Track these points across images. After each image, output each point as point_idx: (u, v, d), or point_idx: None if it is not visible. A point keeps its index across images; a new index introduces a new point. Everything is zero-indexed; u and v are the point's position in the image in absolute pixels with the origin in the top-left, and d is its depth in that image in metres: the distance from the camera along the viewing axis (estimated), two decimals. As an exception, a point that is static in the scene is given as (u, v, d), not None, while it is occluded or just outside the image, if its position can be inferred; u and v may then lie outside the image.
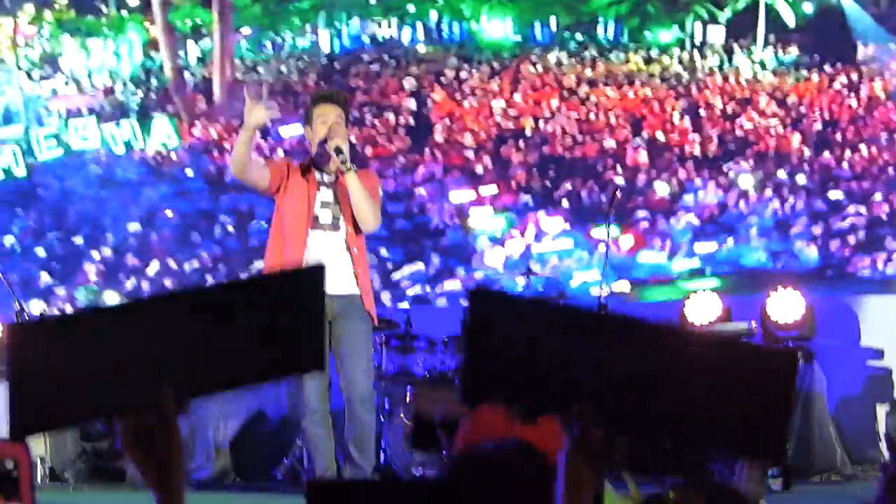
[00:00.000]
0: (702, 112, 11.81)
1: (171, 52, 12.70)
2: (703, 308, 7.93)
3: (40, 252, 10.67)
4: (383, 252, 10.65)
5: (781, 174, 11.18)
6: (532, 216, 11.01)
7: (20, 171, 10.94)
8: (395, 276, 10.68)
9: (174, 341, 1.76)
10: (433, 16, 13.40)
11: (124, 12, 13.05)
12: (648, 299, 9.96)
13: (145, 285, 10.88)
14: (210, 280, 9.97)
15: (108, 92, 12.55)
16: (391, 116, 12.43)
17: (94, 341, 1.73)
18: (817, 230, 10.65)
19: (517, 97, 12.54)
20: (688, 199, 10.92)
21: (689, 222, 10.83)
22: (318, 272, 1.85)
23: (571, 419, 1.82)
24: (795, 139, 11.55)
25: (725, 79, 12.63)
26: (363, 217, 4.97)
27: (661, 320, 1.90)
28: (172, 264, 10.96)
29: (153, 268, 10.93)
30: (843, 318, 7.89)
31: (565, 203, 11.10)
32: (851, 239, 10.44)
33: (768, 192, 10.69)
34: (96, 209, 10.96)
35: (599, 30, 13.44)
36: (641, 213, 10.87)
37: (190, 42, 13.01)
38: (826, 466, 6.78)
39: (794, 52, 11.96)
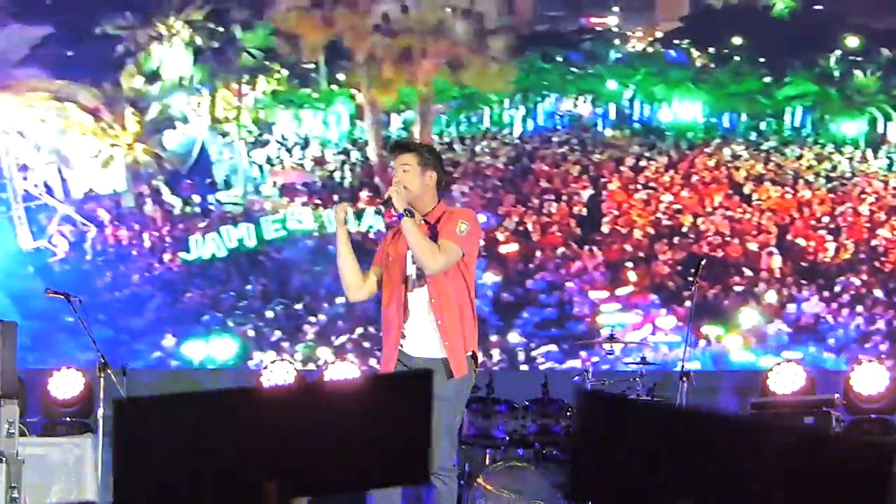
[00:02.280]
0: (849, 218, 14.85)
1: (376, 129, 16.10)
2: (787, 379, 10.25)
3: (269, 314, 14.99)
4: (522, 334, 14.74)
5: (878, 292, 14.11)
6: (655, 314, 14.61)
7: (251, 243, 15.31)
8: (534, 353, 14.63)
9: (281, 435, 2.05)
10: (626, 95, 17.05)
11: (335, 87, 17.46)
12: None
13: (349, 345, 15.31)
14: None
15: (319, 162, 16.97)
16: (567, 205, 16.28)
17: (201, 425, 2.04)
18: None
19: (685, 193, 16.22)
20: (791, 307, 14.24)
21: (780, 329, 14.03)
22: (425, 380, 2.17)
23: None
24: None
25: (885, 183, 15.61)
26: (421, 262, 5.87)
27: (754, 418, 3.28)
28: (371, 329, 15.24)
29: (358, 331, 15.36)
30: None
31: (687, 303, 14.79)
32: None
33: (860, 307, 14.07)
34: (313, 281, 15.78)
35: (786, 118, 16.63)
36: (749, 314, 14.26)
37: (393, 114, 17.15)
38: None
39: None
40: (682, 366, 8.96)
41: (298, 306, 14.90)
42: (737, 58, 16.33)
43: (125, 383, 9.43)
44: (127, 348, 14.35)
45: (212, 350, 14.61)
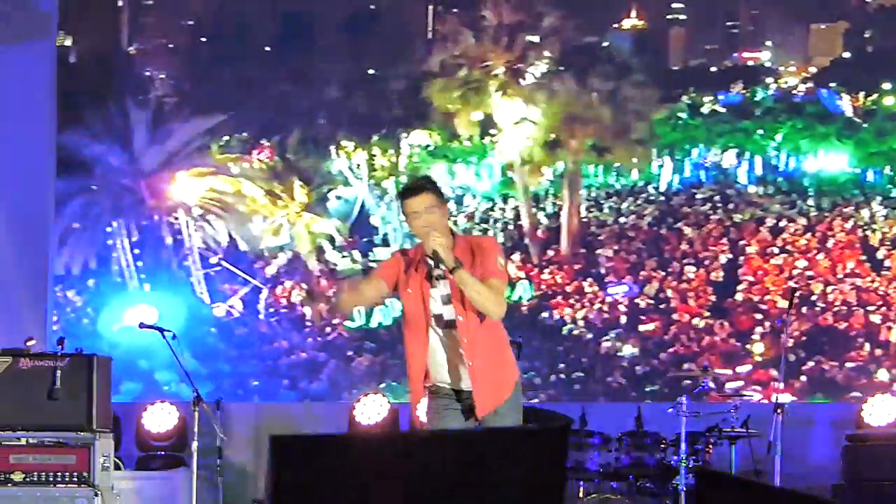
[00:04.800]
0: None
1: (527, 197, 20.54)
2: (883, 410, 12.12)
3: None
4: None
5: None
6: (772, 389, 19.05)
7: None
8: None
9: (426, 480, 2.60)
10: (771, 148, 20.98)
11: (487, 140, 22.29)
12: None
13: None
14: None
15: (471, 218, 21.96)
16: (704, 271, 20.91)
17: (350, 466, 2.57)
18: None
19: (820, 257, 20.38)
20: None
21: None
22: (560, 435, 2.68)
23: None
24: None
25: None
26: (485, 310, 6.83)
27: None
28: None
29: None
30: None
31: (803, 378, 18.83)
32: None
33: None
34: None
35: None
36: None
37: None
38: None
39: None
40: (777, 398, 10.56)
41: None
42: (887, 102, 20.65)
43: (219, 417, 11.08)
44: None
45: None
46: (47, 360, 11.48)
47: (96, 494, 10.97)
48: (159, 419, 13.55)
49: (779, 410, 10.64)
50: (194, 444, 11.17)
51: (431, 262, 6.95)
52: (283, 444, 3.20)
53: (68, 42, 20.69)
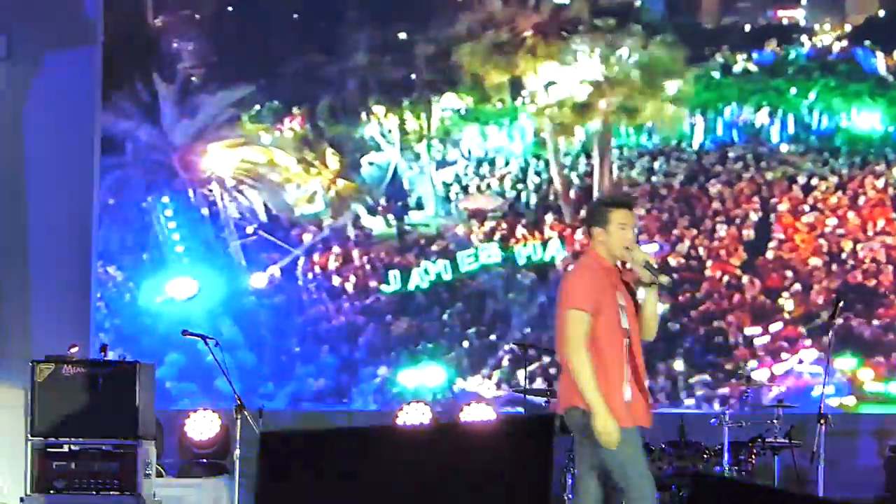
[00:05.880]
0: None
1: (558, 157, 22.64)
2: None
3: (468, 342, 21.83)
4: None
5: None
6: (801, 345, 20.76)
7: (447, 276, 22.45)
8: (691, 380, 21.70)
9: (414, 474, 2.99)
10: (804, 106, 22.48)
11: (518, 101, 24.37)
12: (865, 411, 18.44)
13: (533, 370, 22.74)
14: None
15: (503, 179, 24.11)
16: (736, 229, 22.97)
17: (342, 461, 2.95)
18: None
19: (851, 215, 22.46)
20: None
21: None
22: (547, 425, 2.90)
23: None
24: None
25: None
26: (654, 329, 7.98)
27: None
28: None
29: (545, 361, 22.70)
30: None
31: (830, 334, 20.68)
32: None
33: None
34: (504, 309, 22.35)
35: None
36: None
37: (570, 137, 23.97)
38: None
39: None
40: (821, 408, 11.52)
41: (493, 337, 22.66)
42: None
43: (261, 425, 11.79)
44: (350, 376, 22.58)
45: (423, 378, 21.76)
46: (90, 367, 12.35)
47: (139, 501, 11.81)
48: (202, 426, 14.62)
49: (822, 421, 11.52)
50: (236, 452, 12.02)
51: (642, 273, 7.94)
52: (273, 440, 3.61)
53: (93, 18, 22.85)
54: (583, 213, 22.79)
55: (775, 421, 12.51)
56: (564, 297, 8.22)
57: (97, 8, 16.47)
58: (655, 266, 8.23)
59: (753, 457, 12.45)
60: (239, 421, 12.05)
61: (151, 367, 13.01)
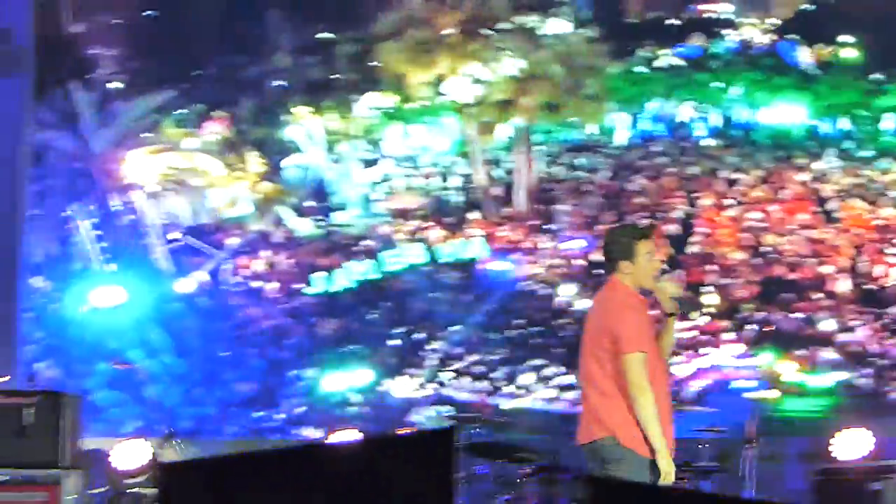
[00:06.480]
0: None
1: (481, 156, 23.74)
2: (853, 445, 12.98)
3: (394, 342, 22.20)
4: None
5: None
6: (724, 339, 20.84)
7: (374, 276, 22.78)
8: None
9: (318, 493, 3.12)
10: (728, 100, 23.56)
11: (441, 100, 25.47)
12: (789, 414, 19.72)
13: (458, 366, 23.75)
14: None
15: (428, 178, 25.19)
16: (660, 223, 23.77)
17: (240, 487, 3.06)
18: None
19: (774, 207, 23.21)
20: (842, 336, 20.76)
21: (827, 357, 20.65)
22: (448, 436, 2.97)
23: None
24: None
25: None
26: (670, 353, 8.26)
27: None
28: (482, 357, 23.62)
29: (470, 360, 23.81)
30: None
31: (752, 327, 20.83)
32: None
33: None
34: (429, 308, 22.59)
35: (884, 123, 23.04)
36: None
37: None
38: None
39: None
40: (745, 434, 11.87)
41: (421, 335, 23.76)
42: (844, 55, 24.12)
43: (176, 447, 12.14)
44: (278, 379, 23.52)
45: (351, 380, 22.17)
46: (16, 398, 12.41)
47: (66, 532, 11.11)
48: (130, 456, 14.32)
49: (749, 444, 11.90)
50: None
51: (668, 304, 8.32)
52: (172, 470, 3.71)
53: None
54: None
55: (704, 445, 12.80)
56: (621, 339, 8.39)
57: (29, 37, 17.35)
58: (681, 298, 8.53)
59: (682, 481, 12.97)
60: (168, 450, 12.27)
61: (78, 397, 13.00)
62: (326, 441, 16.54)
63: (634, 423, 8.34)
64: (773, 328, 21.37)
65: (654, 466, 8.40)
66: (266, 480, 3.74)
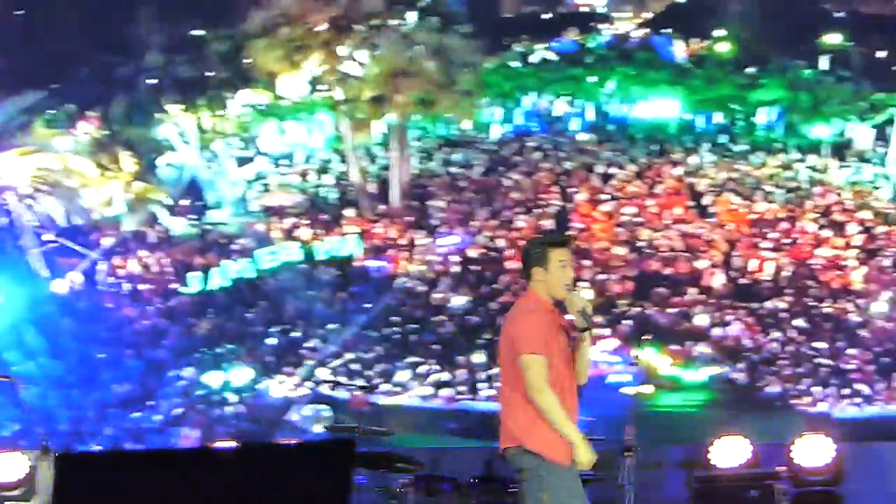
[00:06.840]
0: (795, 235, 22.63)
1: (356, 153, 24.37)
2: (731, 452, 13.31)
3: (271, 340, 22.67)
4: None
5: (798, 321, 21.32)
6: (599, 335, 20.82)
7: (250, 275, 23.26)
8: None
9: (207, 495, 3.59)
10: (604, 90, 24.60)
11: (316, 95, 26.08)
12: (664, 408, 20.13)
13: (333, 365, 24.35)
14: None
15: (304, 174, 25.82)
16: (535, 219, 24.73)
17: (132, 483, 3.50)
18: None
19: (649, 202, 24.26)
20: (716, 331, 21.46)
21: (702, 352, 21.37)
22: (347, 447, 3.94)
23: None
24: (857, 276, 22.11)
25: (839, 193, 23.52)
26: (587, 374, 8.28)
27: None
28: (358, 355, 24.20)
29: (347, 357, 24.43)
30: (873, 465, 13.22)
31: (628, 322, 21.23)
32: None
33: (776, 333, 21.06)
34: (305, 307, 23.04)
35: (759, 117, 24.35)
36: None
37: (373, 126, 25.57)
38: None
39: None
40: (623, 442, 11.88)
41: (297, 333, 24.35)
42: (719, 49, 25.00)
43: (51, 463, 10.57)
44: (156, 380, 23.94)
45: (231, 378, 22.59)
46: None
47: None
48: (6, 469, 13.95)
49: (628, 453, 11.87)
50: (37, 500, 11.94)
51: (577, 318, 8.33)
52: (67, 462, 3.87)
53: None
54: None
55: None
56: (517, 342, 8.44)
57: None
58: (590, 313, 8.50)
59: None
60: (44, 464, 12.13)
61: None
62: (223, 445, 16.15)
63: (541, 427, 8.33)
64: (648, 324, 21.92)
65: (567, 471, 8.48)
66: (160, 479, 3.92)
